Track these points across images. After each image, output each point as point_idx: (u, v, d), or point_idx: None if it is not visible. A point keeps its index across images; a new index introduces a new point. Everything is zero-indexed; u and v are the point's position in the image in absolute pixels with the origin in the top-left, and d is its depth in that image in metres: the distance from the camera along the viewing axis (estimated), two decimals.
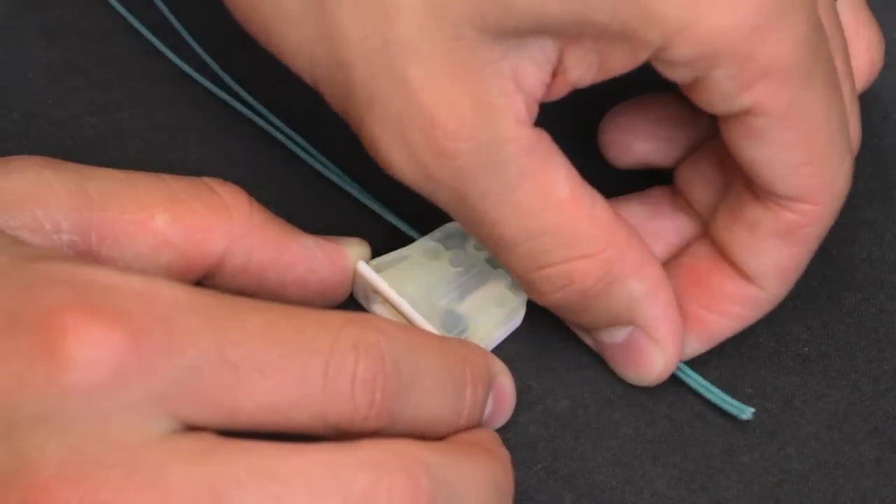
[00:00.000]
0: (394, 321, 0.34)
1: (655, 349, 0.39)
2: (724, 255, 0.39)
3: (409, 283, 0.40)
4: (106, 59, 0.46)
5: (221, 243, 0.36)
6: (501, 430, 0.38)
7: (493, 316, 0.40)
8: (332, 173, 0.43)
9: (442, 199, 0.36)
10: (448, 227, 0.41)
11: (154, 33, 0.46)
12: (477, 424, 0.35)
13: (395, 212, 0.42)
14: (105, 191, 0.35)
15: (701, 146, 0.41)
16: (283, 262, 0.38)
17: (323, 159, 0.43)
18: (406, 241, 0.41)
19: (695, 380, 0.40)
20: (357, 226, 0.42)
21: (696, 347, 0.40)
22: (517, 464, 0.36)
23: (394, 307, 0.39)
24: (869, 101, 0.47)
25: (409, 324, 0.39)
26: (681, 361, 0.40)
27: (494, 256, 0.38)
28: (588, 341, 0.40)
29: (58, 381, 0.29)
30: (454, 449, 0.33)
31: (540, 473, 0.38)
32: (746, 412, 0.39)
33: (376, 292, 0.39)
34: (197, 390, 0.30)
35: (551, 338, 0.41)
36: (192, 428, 0.30)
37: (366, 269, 0.39)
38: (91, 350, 0.29)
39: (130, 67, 0.45)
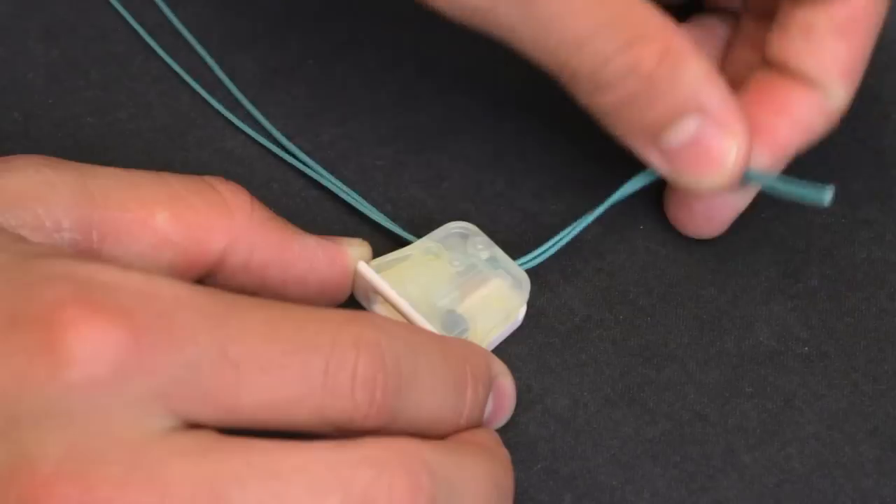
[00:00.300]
0: (394, 320, 0.34)
1: (726, 136, 0.38)
2: (784, 72, 0.40)
3: (410, 283, 0.40)
4: (106, 59, 0.46)
5: (222, 241, 0.36)
6: (501, 430, 0.38)
7: (493, 316, 0.40)
8: (328, 181, 0.43)
9: (503, 13, 0.37)
10: (448, 227, 0.41)
11: (154, 33, 0.46)
12: (477, 424, 0.35)
13: (394, 214, 0.42)
14: (106, 189, 0.35)
15: None
16: (284, 260, 0.38)
17: (322, 171, 0.43)
18: (405, 241, 0.41)
19: (766, 178, 0.40)
20: (357, 226, 0.42)
21: (765, 160, 0.40)
22: (517, 464, 0.36)
23: (394, 307, 0.39)
24: (869, 100, 0.47)
25: (411, 323, 0.39)
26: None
27: (559, 73, 0.38)
28: (659, 165, 0.39)
29: (58, 377, 0.29)
30: (454, 448, 0.33)
31: (540, 473, 0.38)
32: (827, 195, 0.38)
33: (377, 292, 0.39)
34: (197, 387, 0.30)
35: (551, 338, 0.41)
36: (193, 425, 0.30)
37: (366, 270, 0.39)
38: (92, 346, 0.29)
39: (130, 67, 0.45)
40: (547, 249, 0.41)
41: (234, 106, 0.45)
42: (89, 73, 0.45)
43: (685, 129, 0.38)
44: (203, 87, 0.45)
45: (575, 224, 0.42)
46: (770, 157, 0.40)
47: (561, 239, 0.42)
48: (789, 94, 0.40)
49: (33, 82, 0.45)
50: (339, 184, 0.43)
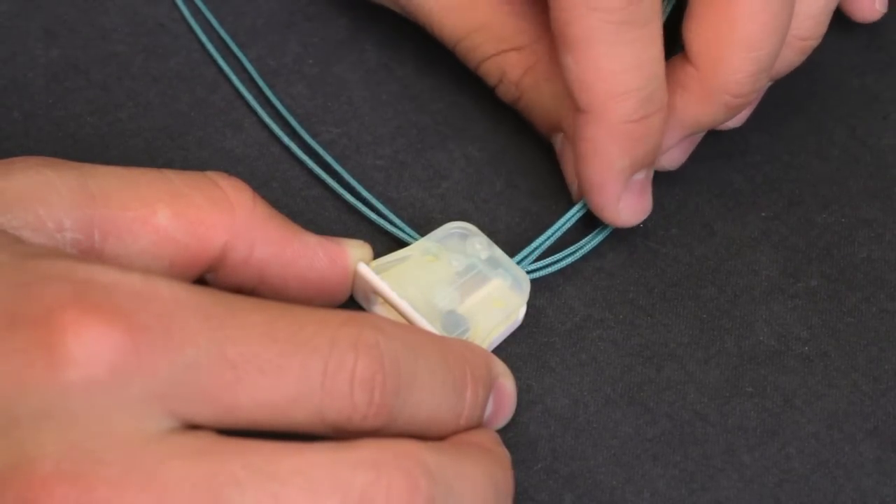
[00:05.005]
0: (393, 321, 0.34)
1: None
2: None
3: (410, 284, 0.40)
4: (106, 59, 0.46)
5: (223, 237, 0.36)
6: (501, 430, 0.38)
7: (494, 316, 0.40)
8: (333, 179, 0.43)
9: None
10: (448, 227, 0.41)
11: (154, 33, 0.46)
12: (477, 425, 0.35)
13: (395, 214, 0.42)
14: (106, 188, 0.35)
15: None
16: (284, 257, 0.38)
17: (344, 173, 0.43)
18: (405, 241, 0.41)
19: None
20: (357, 226, 0.42)
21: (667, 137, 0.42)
22: (517, 464, 0.36)
23: (394, 308, 0.39)
24: (869, 100, 0.47)
25: (411, 324, 0.39)
26: None
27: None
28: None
29: (57, 378, 0.29)
30: (453, 449, 0.33)
31: (540, 473, 0.38)
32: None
33: (377, 293, 0.39)
34: (196, 388, 0.30)
35: (551, 338, 0.41)
36: (191, 426, 0.30)
37: (366, 271, 0.39)
38: (90, 347, 0.29)
39: (130, 67, 0.45)
40: (559, 260, 0.42)
41: (244, 101, 0.45)
42: (89, 73, 0.45)
43: (558, 141, 0.42)
44: (203, 86, 0.45)
45: (591, 236, 0.42)
46: (671, 133, 0.41)
47: (576, 251, 0.42)
48: (683, 69, 0.40)
49: (33, 82, 0.45)
50: (362, 190, 0.43)
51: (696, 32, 0.40)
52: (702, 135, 0.43)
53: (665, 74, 0.40)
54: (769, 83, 0.43)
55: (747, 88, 0.40)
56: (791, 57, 0.42)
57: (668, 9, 0.42)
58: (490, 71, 0.43)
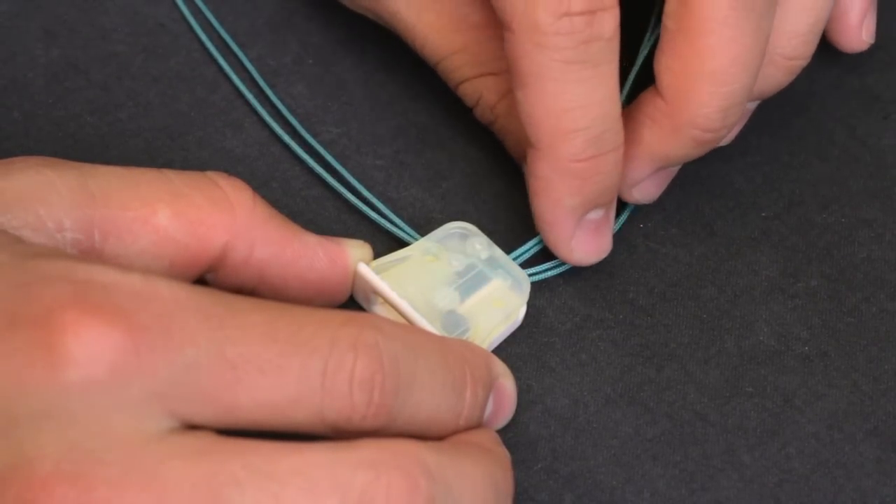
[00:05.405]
0: (393, 321, 0.34)
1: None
2: None
3: (410, 284, 0.40)
4: (106, 59, 0.46)
5: (223, 237, 0.36)
6: (501, 430, 0.38)
7: (494, 316, 0.40)
8: (334, 179, 0.43)
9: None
10: (448, 227, 0.41)
11: (153, 33, 0.46)
12: (476, 425, 0.35)
13: (395, 214, 0.42)
14: (107, 188, 0.35)
15: None
16: (284, 257, 0.38)
17: (345, 172, 0.43)
18: (405, 242, 0.41)
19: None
20: (357, 226, 0.42)
21: (634, 170, 0.41)
22: (517, 464, 0.36)
23: (395, 308, 0.39)
24: (869, 100, 0.47)
25: (410, 324, 0.39)
26: None
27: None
28: None
29: (57, 378, 0.29)
30: (453, 448, 0.33)
31: (540, 473, 0.38)
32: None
33: (377, 293, 0.39)
34: (195, 388, 0.30)
35: (551, 338, 0.41)
36: (191, 426, 0.30)
37: (366, 271, 0.39)
38: (90, 347, 0.29)
39: (130, 67, 0.45)
40: (561, 264, 0.42)
41: (244, 100, 0.45)
42: (89, 73, 0.45)
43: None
44: (203, 86, 0.45)
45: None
46: (641, 166, 0.40)
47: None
48: (653, 102, 0.40)
49: (33, 82, 0.45)
50: (363, 189, 0.43)
51: (666, 65, 0.39)
52: (676, 169, 0.42)
53: (637, 108, 0.40)
54: (755, 104, 0.43)
55: (717, 124, 0.39)
56: (778, 76, 0.41)
57: (650, 43, 0.42)
58: (468, 93, 0.43)
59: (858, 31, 0.45)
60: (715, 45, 0.38)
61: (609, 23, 0.37)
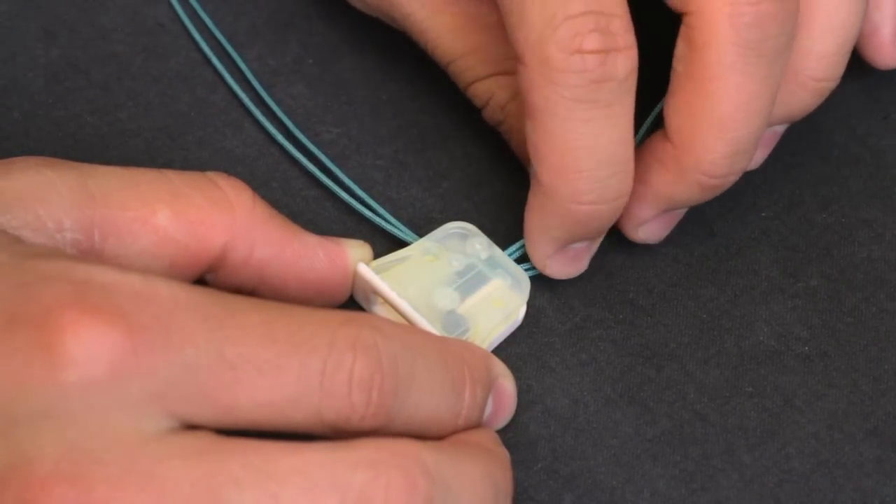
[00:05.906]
0: (392, 321, 0.34)
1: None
2: None
3: (410, 284, 0.40)
4: (106, 59, 0.46)
5: (223, 237, 0.36)
6: (501, 430, 0.38)
7: (494, 316, 0.40)
8: (332, 181, 0.43)
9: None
10: (447, 227, 0.41)
11: (153, 33, 0.46)
12: (476, 425, 0.35)
13: (394, 214, 0.42)
14: (106, 188, 0.35)
15: None
16: (284, 257, 0.38)
17: (341, 174, 0.43)
18: (405, 242, 0.41)
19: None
20: (357, 226, 0.42)
21: (642, 210, 0.41)
22: (517, 464, 0.36)
23: (394, 308, 0.39)
24: (869, 101, 0.47)
25: (409, 324, 0.39)
26: None
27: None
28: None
29: (56, 378, 0.29)
30: (452, 448, 0.33)
31: (540, 473, 0.38)
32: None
33: (376, 293, 0.39)
34: (194, 388, 0.30)
35: (551, 338, 0.41)
36: (190, 426, 0.30)
37: (366, 271, 0.39)
38: (89, 348, 0.29)
39: (130, 67, 0.45)
40: None
41: (241, 102, 0.45)
42: (89, 73, 0.45)
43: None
44: (203, 86, 0.45)
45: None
46: (646, 207, 0.40)
47: None
48: (661, 145, 0.39)
49: (33, 82, 0.45)
50: (359, 191, 0.43)
51: (675, 108, 0.38)
52: (683, 211, 0.41)
53: (646, 149, 0.39)
54: (783, 127, 0.42)
55: (723, 170, 0.38)
56: (807, 99, 0.40)
57: None
58: (479, 92, 0.42)
59: (892, 48, 0.45)
60: (721, 91, 0.37)
61: (623, 63, 0.36)
